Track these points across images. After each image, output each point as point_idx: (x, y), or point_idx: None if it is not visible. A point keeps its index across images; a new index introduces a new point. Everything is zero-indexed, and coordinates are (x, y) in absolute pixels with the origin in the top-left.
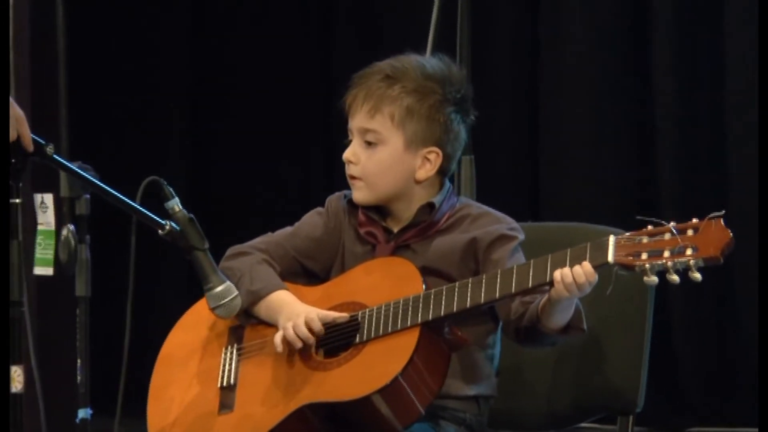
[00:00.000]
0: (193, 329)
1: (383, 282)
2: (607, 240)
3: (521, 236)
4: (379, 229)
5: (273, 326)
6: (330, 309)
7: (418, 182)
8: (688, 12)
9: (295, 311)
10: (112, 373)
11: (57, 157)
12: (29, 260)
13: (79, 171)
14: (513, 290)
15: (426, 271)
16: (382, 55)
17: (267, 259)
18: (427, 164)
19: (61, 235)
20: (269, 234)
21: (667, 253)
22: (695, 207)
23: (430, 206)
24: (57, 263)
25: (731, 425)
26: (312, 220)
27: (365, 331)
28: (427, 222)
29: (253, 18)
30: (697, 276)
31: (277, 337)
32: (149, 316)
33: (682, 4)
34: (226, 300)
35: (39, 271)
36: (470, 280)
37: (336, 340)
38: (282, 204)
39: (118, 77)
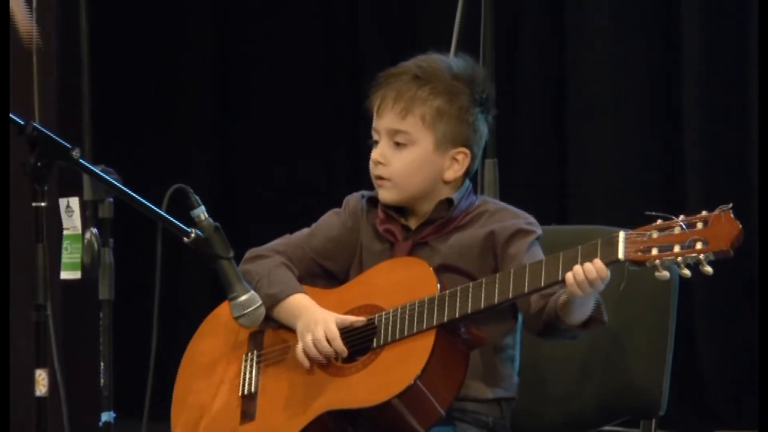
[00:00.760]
0: (214, 336)
1: (399, 283)
2: (617, 236)
3: (539, 231)
4: (398, 226)
5: (292, 331)
6: (347, 312)
7: (446, 183)
8: (714, 10)
9: (313, 317)
10: (135, 376)
11: (83, 161)
12: (55, 264)
13: (105, 176)
14: (526, 290)
15: (444, 269)
16: (408, 54)
17: (285, 262)
18: (455, 165)
19: (84, 238)
20: (287, 236)
21: (677, 248)
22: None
23: (448, 202)
24: (81, 267)
25: (754, 429)
26: (329, 221)
27: (382, 335)
28: (444, 218)
29: (278, 20)
30: (708, 270)
31: (300, 352)
32: (173, 320)
33: (708, 5)
34: (250, 309)
35: (66, 275)
36: (484, 280)
37: (354, 345)
38: (309, 208)
39: (142, 82)
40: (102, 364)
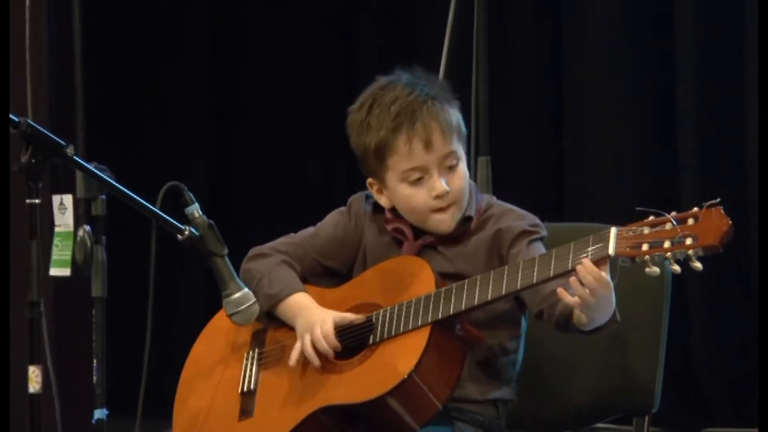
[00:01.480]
0: (217, 337)
1: (397, 282)
2: (609, 232)
3: (543, 232)
4: (407, 225)
5: (293, 330)
6: (347, 311)
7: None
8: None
9: (311, 317)
10: (128, 374)
11: (77, 159)
12: (45, 261)
13: (101, 174)
14: (518, 286)
15: (452, 276)
16: (406, 58)
17: (287, 260)
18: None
19: (77, 236)
20: (291, 235)
21: (667, 243)
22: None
23: (467, 219)
24: (73, 264)
25: (748, 426)
26: (333, 220)
27: (378, 332)
28: (459, 231)
29: (276, 17)
30: (698, 265)
31: (297, 351)
32: (167, 317)
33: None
34: (244, 307)
35: (55, 272)
36: (479, 277)
37: (352, 342)
38: (304, 207)
39: (137, 80)
40: (95, 361)
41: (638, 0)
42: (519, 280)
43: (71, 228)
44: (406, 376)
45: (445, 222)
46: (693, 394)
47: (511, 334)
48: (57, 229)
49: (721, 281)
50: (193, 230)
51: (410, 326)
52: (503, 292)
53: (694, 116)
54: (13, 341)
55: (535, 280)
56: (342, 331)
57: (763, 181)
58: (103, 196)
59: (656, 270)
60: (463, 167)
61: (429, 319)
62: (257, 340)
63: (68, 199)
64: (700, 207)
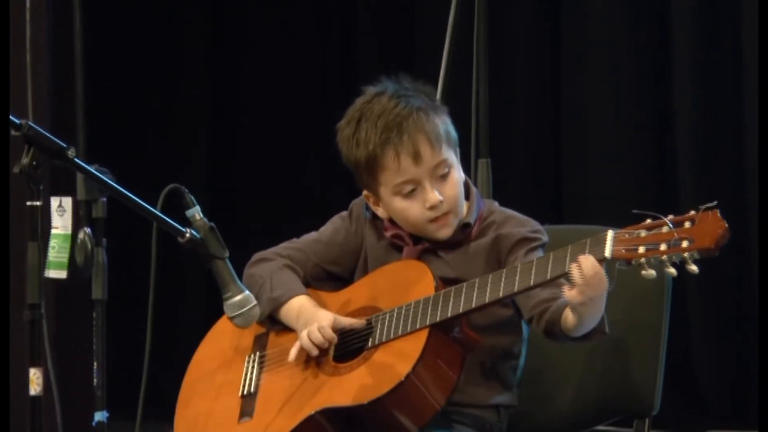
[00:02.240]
0: (220, 340)
1: (397, 285)
2: (605, 235)
3: (544, 239)
4: (406, 231)
5: (295, 333)
6: (349, 314)
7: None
8: (707, 12)
9: (311, 318)
10: (129, 376)
11: (78, 161)
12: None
13: (102, 177)
14: (516, 289)
15: (452, 281)
16: (404, 61)
17: (289, 264)
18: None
19: (77, 238)
20: (293, 240)
21: (663, 246)
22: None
23: (465, 225)
24: (72, 266)
25: (748, 428)
26: (334, 225)
27: (377, 335)
28: (459, 238)
29: (274, 22)
30: (694, 268)
31: (294, 349)
32: (168, 320)
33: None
34: (245, 309)
35: (52, 274)
36: (477, 280)
37: (351, 345)
38: (304, 209)
39: (138, 82)
40: (95, 363)
41: (637, 1)
42: (516, 283)
43: (69, 230)
44: (403, 379)
45: (442, 230)
46: (693, 397)
47: (512, 340)
48: (54, 231)
49: (721, 284)
50: (194, 233)
51: (409, 329)
52: (500, 295)
53: (692, 118)
54: (13, 343)
55: (532, 283)
56: (342, 334)
57: (763, 182)
58: (104, 199)
59: (652, 273)
60: (455, 174)
61: (427, 322)
62: (259, 343)
63: (67, 201)
64: (697, 210)
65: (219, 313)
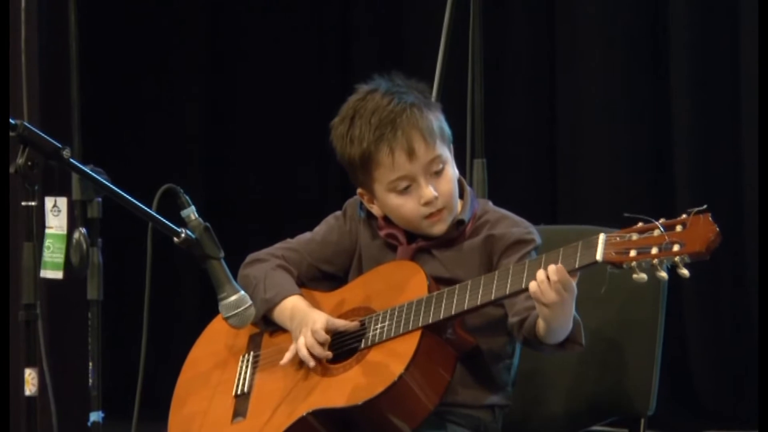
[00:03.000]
0: (215, 340)
1: (391, 286)
2: (597, 238)
3: (537, 241)
4: (400, 230)
5: (289, 333)
6: (342, 315)
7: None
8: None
9: (305, 319)
10: (124, 376)
11: (74, 161)
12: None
13: (97, 177)
14: (507, 291)
15: (445, 280)
16: (400, 61)
17: (283, 265)
18: (456, 169)
19: (72, 238)
20: (287, 240)
21: (654, 250)
22: (711, 210)
23: (459, 222)
24: (68, 267)
25: (744, 428)
26: (328, 225)
27: (370, 336)
28: (453, 235)
29: (271, 23)
30: (685, 272)
31: (288, 354)
32: (163, 320)
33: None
34: (239, 310)
35: (47, 274)
36: (469, 282)
37: (344, 346)
38: (299, 210)
39: (133, 83)
40: (91, 364)
41: (633, 1)
42: (508, 285)
43: (64, 230)
44: (396, 379)
45: (437, 226)
46: (689, 397)
47: (506, 340)
48: (49, 231)
49: (717, 284)
50: (189, 233)
51: (401, 330)
52: (492, 298)
53: (688, 119)
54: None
55: (523, 285)
56: (335, 335)
57: (763, 183)
58: (99, 199)
59: (644, 276)
60: (449, 170)
61: (420, 324)
62: (253, 343)
63: (62, 201)
64: (688, 214)
65: (214, 313)
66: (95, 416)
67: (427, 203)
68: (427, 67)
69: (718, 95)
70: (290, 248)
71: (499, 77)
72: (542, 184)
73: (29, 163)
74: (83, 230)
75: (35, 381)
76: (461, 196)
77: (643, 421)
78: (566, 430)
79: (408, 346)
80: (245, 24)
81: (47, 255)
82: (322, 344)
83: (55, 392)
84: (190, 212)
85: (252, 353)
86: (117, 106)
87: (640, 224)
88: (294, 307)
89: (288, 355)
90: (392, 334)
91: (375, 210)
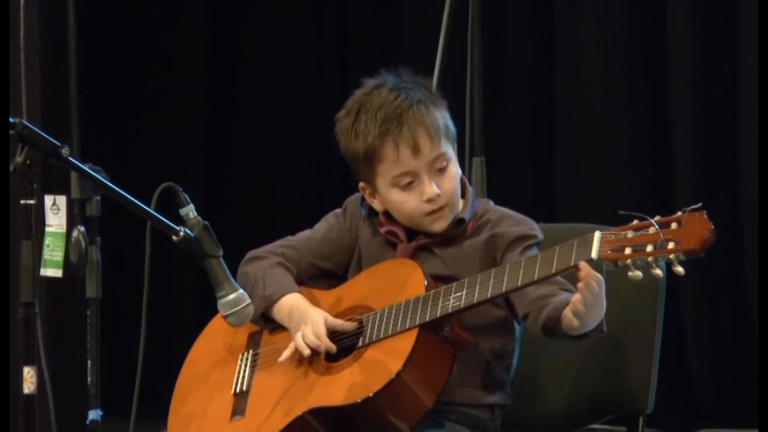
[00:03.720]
0: (214, 338)
1: (389, 284)
2: (593, 236)
3: (540, 237)
4: (401, 228)
5: (288, 331)
6: (340, 313)
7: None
8: (702, 13)
9: (303, 317)
10: (122, 375)
11: (72, 160)
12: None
13: (96, 175)
14: (504, 289)
15: (446, 278)
16: (398, 59)
17: (282, 262)
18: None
19: (72, 236)
20: (287, 238)
21: (649, 248)
22: (710, 208)
23: (460, 221)
24: (66, 265)
25: (742, 427)
26: (328, 222)
27: (368, 335)
28: (453, 234)
29: (269, 23)
30: (680, 270)
31: (287, 351)
32: (162, 318)
33: (696, 6)
34: (238, 308)
35: (48, 273)
36: (466, 280)
37: (343, 344)
38: (298, 208)
39: (132, 81)
40: (89, 362)
41: (632, 2)
42: (504, 283)
43: (64, 228)
44: (393, 376)
45: (438, 223)
46: (687, 396)
47: (505, 340)
48: (48, 229)
49: (715, 283)
50: (188, 231)
51: (399, 329)
52: (488, 296)
53: (686, 118)
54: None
55: (519, 284)
56: (333, 333)
57: (763, 183)
58: (98, 197)
59: (639, 274)
60: (453, 168)
61: (417, 322)
62: (253, 341)
63: (61, 199)
64: (684, 211)
65: (214, 311)
66: (94, 414)
67: (429, 200)
68: (425, 65)
69: (717, 95)
70: (290, 246)
71: (497, 76)
72: (540, 182)
73: (28, 162)
74: (82, 228)
75: (34, 379)
76: (463, 194)
77: (641, 419)
78: (565, 429)
79: (405, 343)
80: (245, 24)
81: (47, 253)
82: (319, 339)
83: (54, 390)
84: (189, 210)
85: (251, 352)
86: (116, 105)
87: (635, 222)
88: (292, 304)
89: (287, 353)
90: (390, 333)
91: (376, 205)
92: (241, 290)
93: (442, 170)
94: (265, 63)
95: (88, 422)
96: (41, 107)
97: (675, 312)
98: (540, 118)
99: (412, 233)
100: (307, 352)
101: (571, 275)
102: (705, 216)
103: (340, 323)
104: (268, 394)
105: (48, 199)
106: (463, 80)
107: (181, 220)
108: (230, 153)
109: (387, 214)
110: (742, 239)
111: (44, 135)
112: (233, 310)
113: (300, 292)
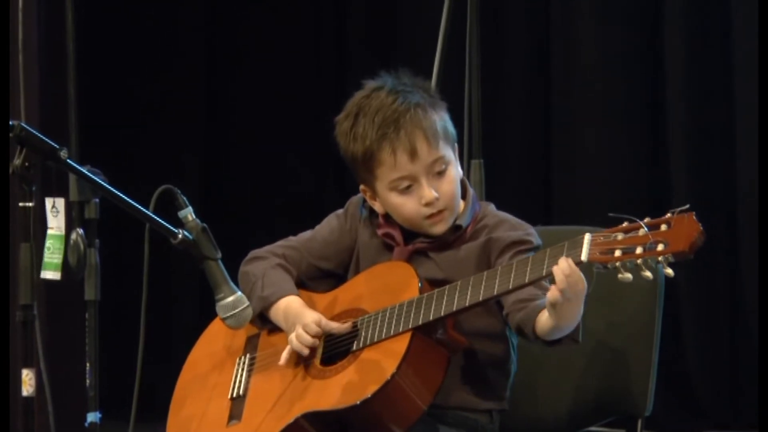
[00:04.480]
0: (213, 342)
1: (384, 287)
2: (582, 238)
3: (536, 242)
4: (398, 230)
5: (285, 334)
6: (336, 315)
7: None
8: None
9: (298, 318)
10: (121, 377)
11: (71, 162)
12: (38, 264)
13: (95, 178)
14: (495, 292)
15: (441, 283)
16: (397, 60)
17: (282, 264)
18: (460, 168)
19: (70, 239)
20: (289, 238)
21: (639, 250)
22: (707, 210)
23: (457, 227)
24: (66, 267)
25: (741, 428)
26: (329, 223)
27: (362, 338)
28: (450, 238)
29: (268, 24)
30: (669, 272)
31: (285, 354)
32: (161, 321)
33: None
34: (237, 311)
35: (47, 275)
36: (459, 283)
37: (337, 348)
38: (297, 210)
39: (130, 83)
40: (88, 364)
41: (629, 4)
42: (496, 286)
43: (63, 231)
44: (386, 381)
45: (438, 226)
46: (686, 398)
47: (503, 346)
48: (50, 232)
49: (713, 285)
50: (186, 234)
51: (392, 332)
52: (480, 299)
53: (683, 119)
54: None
55: (511, 286)
56: (328, 337)
57: (763, 183)
58: (97, 200)
59: (629, 276)
60: (452, 171)
61: (410, 325)
62: (250, 345)
63: (60, 202)
64: (673, 213)
65: (213, 314)
66: (92, 417)
67: (427, 204)
68: (423, 68)
69: (714, 96)
70: (291, 246)
71: (495, 78)
72: (537, 184)
73: (26, 164)
74: (80, 231)
75: (32, 381)
76: (464, 197)
77: (640, 421)
78: (563, 430)
79: (399, 346)
80: (243, 25)
81: (47, 256)
82: (313, 337)
83: (53, 393)
84: (188, 213)
85: (248, 355)
86: (114, 107)
87: (625, 224)
88: (288, 306)
89: (285, 355)
90: (384, 336)
91: (377, 207)
92: (240, 293)
93: (440, 173)
94: (264, 64)
95: (86, 425)
96: (39, 109)
97: (673, 313)
98: (537, 121)
99: (409, 236)
100: (306, 351)
101: None
102: (694, 217)
103: (335, 326)
104: (263, 398)
105: (48, 202)
106: (462, 82)
107: (179, 223)
108: (229, 155)
109: (386, 216)
110: (741, 240)
111: (42, 137)
112: (231, 313)
113: (298, 295)
